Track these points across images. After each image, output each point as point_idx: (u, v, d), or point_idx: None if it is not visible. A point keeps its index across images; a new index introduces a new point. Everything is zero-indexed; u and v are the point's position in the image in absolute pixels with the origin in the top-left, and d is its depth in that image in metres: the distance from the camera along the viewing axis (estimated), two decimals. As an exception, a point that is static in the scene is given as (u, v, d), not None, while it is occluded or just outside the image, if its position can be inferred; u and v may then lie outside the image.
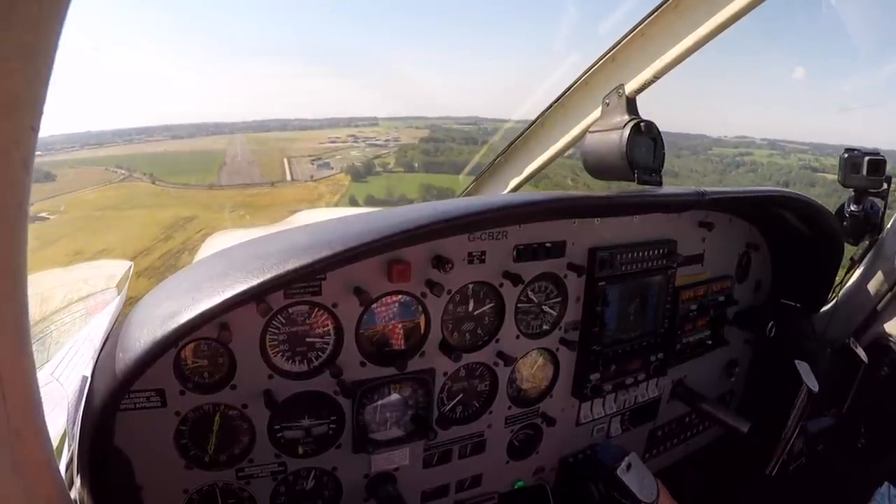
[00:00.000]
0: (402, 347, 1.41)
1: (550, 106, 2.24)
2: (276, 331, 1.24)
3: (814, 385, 1.74)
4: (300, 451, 1.35)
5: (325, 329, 1.29)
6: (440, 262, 1.31)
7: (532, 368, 1.67)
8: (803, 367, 1.79)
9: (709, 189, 1.66)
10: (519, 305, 1.55)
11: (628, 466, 1.58)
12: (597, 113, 1.76)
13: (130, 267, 1.49)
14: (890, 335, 2.13)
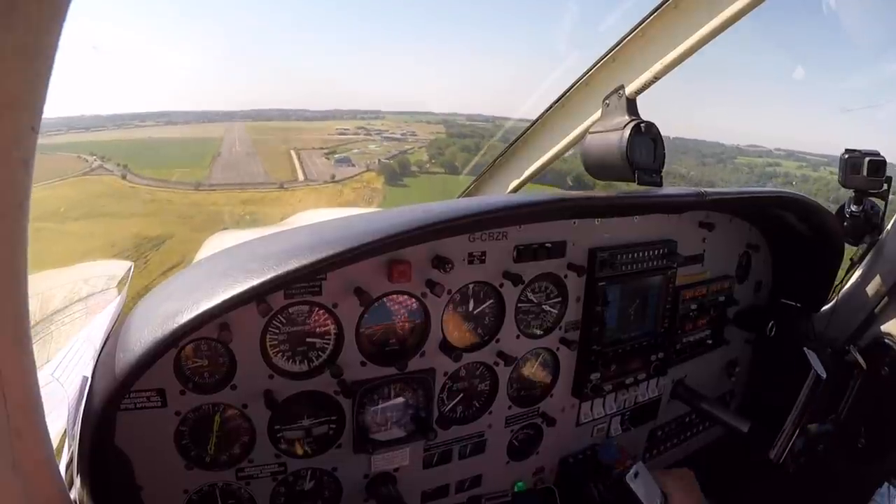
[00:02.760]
0: (403, 347, 1.41)
1: (551, 106, 2.24)
2: (277, 331, 1.24)
3: (822, 372, 1.74)
4: (300, 451, 1.35)
5: (326, 329, 1.29)
6: (440, 262, 1.31)
7: (532, 368, 1.67)
8: (812, 356, 1.80)
9: (709, 189, 1.66)
10: (519, 305, 1.55)
11: (636, 474, 1.59)
12: (597, 114, 1.76)
13: (131, 267, 1.49)
14: (890, 335, 2.13)
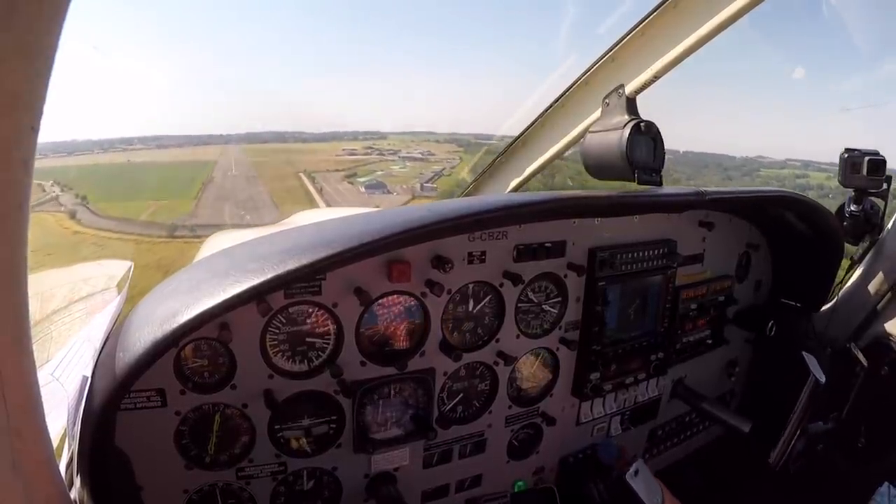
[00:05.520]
0: (403, 347, 1.41)
1: (551, 106, 2.25)
2: (277, 330, 1.24)
3: (821, 376, 1.75)
4: (300, 450, 1.35)
5: (326, 329, 1.29)
6: (440, 262, 1.31)
7: (532, 368, 1.67)
8: (811, 360, 1.80)
9: (709, 189, 1.66)
10: (519, 305, 1.55)
11: (636, 472, 1.59)
12: (597, 113, 1.76)
13: (130, 267, 1.49)
14: (890, 335, 2.13)
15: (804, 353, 1.80)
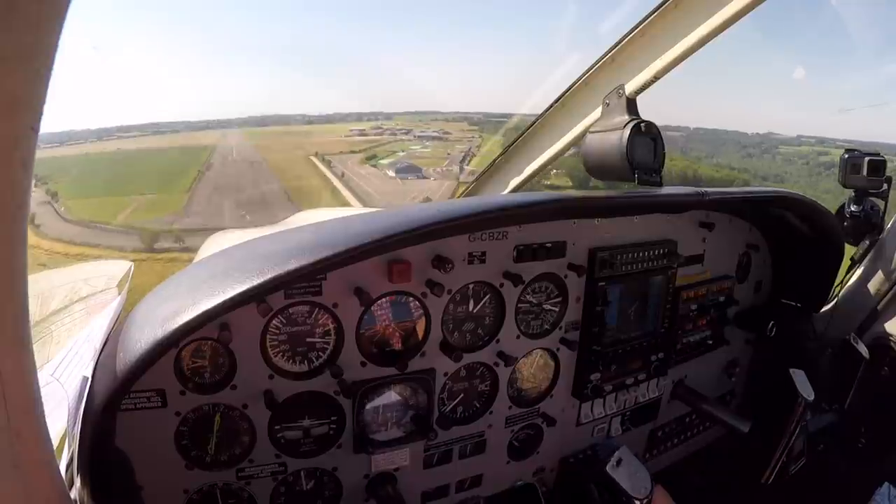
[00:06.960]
0: (403, 347, 1.41)
1: (551, 106, 2.24)
2: (277, 331, 1.24)
3: (809, 394, 1.75)
4: (301, 451, 1.35)
5: (326, 329, 1.29)
6: (441, 262, 1.31)
7: (532, 368, 1.67)
8: (798, 377, 1.79)
9: (709, 189, 1.66)
10: (519, 305, 1.55)
11: (618, 462, 1.54)
12: (597, 113, 1.76)
13: (131, 267, 1.49)
14: (890, 335, 2.13)
15: (791, 371, 1.79)
